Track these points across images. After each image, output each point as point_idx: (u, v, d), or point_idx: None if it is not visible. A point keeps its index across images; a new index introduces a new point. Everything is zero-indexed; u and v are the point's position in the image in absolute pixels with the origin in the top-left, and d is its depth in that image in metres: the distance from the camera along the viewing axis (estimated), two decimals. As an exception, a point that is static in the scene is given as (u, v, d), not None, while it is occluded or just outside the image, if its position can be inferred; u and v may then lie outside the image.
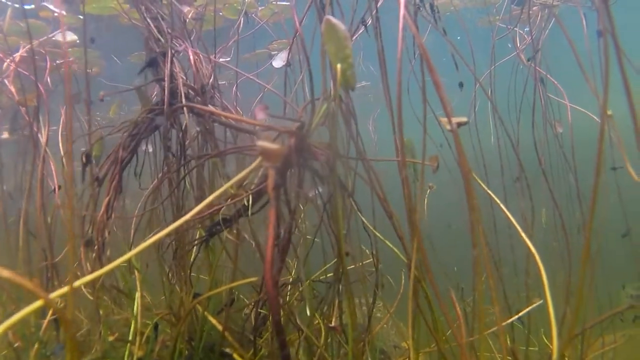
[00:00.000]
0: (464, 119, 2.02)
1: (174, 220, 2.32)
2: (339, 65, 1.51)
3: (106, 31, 4.13)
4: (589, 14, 3.44)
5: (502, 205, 2.35)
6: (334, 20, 1.50)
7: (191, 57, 2.24)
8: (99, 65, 4.61)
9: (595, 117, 4.25)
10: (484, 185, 2.26)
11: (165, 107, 2.16)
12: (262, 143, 1.35)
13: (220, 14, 3.79)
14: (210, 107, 2.15)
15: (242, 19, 3.47)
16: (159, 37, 2.36)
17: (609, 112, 3.74)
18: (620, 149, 2.94)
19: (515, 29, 3.99)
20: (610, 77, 1.38)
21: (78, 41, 3.97)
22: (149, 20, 2.41)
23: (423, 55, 1.63)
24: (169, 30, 2.41)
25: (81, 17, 3.72)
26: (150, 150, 2.43)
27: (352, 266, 2.44)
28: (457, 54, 2.56)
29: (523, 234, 1.93)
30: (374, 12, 2.25)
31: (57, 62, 4.29)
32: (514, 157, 3.63)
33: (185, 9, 3.55)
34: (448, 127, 1.81)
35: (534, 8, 3.89)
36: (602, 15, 1.35)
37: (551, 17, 3.77)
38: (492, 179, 3.71)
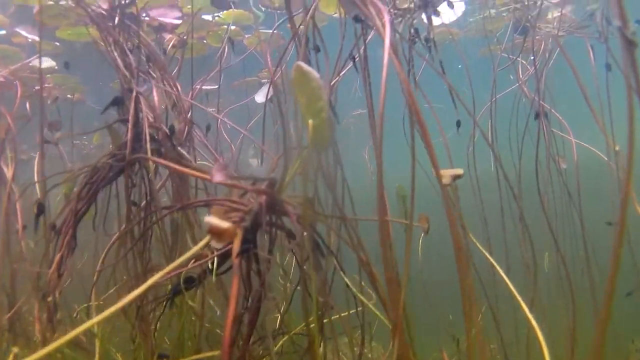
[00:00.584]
0: (460, 172, 1.80)
1: (139, 279, 2.09)
2: (310, 121, 1.29)
3: (88, 56, 3.92)
4: (596, 46, 3.23)
5: (493, 261, 2.13)
6: (305, 67, 1.28)
7: (156, 99, 2.02)
8: (80, 91, 4.40)
9: (600, 153, 4.05)
10: (475, 241, 2.05)
11: (127, 152, 1.94)
12: (211, 220, 1.12)
13: (205, 41, 3.59)
14: (165, 161, 1.92)
15: (226, 48, 3.26)
16: (125, 73, 2.15)
17: (617, 148, 3.51)
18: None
19: (517, 59, 3.78)
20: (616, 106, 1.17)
21: (56, 67, 3.77)
22: (115, 54, 2.19)
23: (411, 108, 1.41)
24: (138, 65, 2.19)
25: (57, 43, 3.52)
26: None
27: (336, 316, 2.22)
28: (454, 91, 2.34)
29: (523, 306, 1.69)
30: (362, 48, 2.04)
31: (36, 88, 4.10)
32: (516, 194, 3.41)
33: (167, 36, 3.35)
34: (444, 180, 1.59)
35: (537, 37, 3.69)
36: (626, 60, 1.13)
37: (555, 47, 3.56)
38: (491, 219, 3.49)
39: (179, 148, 2.11)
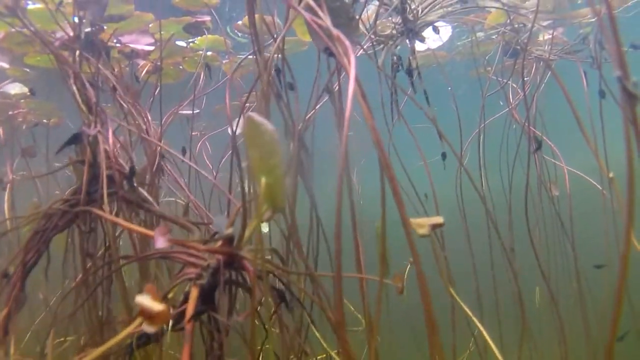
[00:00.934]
0: (439, 220, 1.65)
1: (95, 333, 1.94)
2: (263, 179, 1.14)
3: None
4: (589, 72, 3.10)
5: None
6: (258, 118, 1.13)
7: (110, 140, 1.87)
8: (57, 116, 4.25)
9: (592, 179, 3.91)
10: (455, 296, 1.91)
11: (82, 198, 1.78)
12: (142, 301, 0.97)
13: (181, 67, 3.45)
14: (113, 217, 1.76)
15: (202, 74, 3.12)
16: (83, 109, 2.00)
17: (611, 175, 3.36)
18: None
19: (508, 82, 3.64)
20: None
21: (28, 93, 3.62)
22: (75, 88, 2.04)
23: (381, 160, 1.26)
24: (97, 100, 2.04)
25: (27, 69, 3.38)
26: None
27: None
28: (436, 125, 2.20)
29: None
30: (335, 84, 1.89)
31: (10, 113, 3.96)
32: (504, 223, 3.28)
33: (140, 62, 3.21)
34: (420, 231, 1.45)
35: (528, 59, 3.55)
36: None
37: (547, 71, 3.42)
38: (479, 249, 3.33)
39: (141, 190, 1.96)
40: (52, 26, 2.70)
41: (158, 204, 2.02)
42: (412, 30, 2.38)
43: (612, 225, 3.32)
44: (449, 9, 2.64)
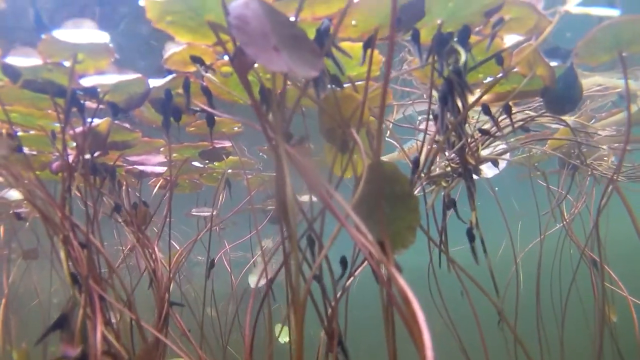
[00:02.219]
0: None
1: None
2: None
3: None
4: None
5: None
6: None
7: (100, 329, 1.46)
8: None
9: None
10: None
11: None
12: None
13: (197, 181, 3.08)
14: None
15: (224, 191, 2.74)
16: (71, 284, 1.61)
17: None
18: None
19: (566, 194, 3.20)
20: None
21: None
22: (62, 254, 1.66)
23: None
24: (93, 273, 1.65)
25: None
26: None
27: None
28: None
29: None
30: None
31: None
32: None
33: (152, 179, 2.85)
34: None
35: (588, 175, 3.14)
36: None
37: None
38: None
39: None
40: (49, 148, 2.36)
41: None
42: (470, 171, 1.98)
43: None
44: (511, 139, 2.25)
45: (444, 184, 2.11)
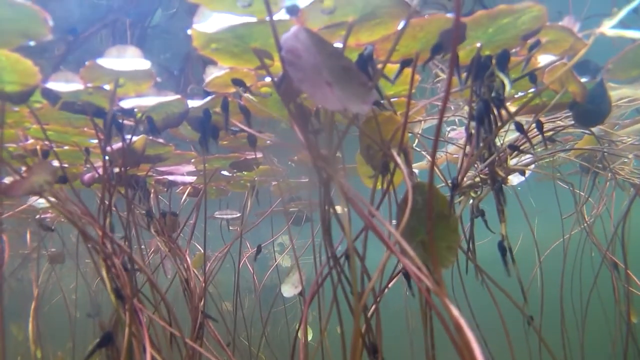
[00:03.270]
0: None
1: None
2: None
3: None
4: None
5: None
6: None
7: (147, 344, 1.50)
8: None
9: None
10: None
11: None
12: None
13: (223, 187, 3.11)
14: None
15: (252, 199, 2.77)
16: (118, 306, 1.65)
17: None
18: None
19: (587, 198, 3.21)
20: None
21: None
22: (104, 274, 1.70)
23: None
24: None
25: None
26: None
27: None
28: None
29: None
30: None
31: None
32: None
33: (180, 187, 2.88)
34: None
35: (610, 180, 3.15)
36: None
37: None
38: None
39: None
40: (80, 161, 2.40)
41: None
42: (500, 183, 2.00)
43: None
44: (538, 149, 2.28)
45: (472, 194, 2.14)
